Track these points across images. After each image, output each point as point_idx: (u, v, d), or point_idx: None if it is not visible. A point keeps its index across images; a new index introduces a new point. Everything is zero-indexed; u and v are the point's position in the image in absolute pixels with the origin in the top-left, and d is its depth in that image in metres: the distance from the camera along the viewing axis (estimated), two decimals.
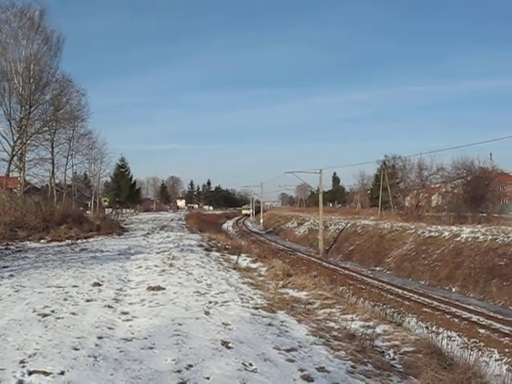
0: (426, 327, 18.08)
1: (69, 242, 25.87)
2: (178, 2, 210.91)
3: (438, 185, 53.13)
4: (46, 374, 5.92)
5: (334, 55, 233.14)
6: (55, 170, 44.64)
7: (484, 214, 40.85)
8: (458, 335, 17.63)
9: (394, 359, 7.74)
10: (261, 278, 15.70)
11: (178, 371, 6.15)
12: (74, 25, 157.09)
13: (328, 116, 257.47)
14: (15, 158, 36.05)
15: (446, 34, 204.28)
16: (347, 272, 32.42)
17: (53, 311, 9.33)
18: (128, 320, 8.95)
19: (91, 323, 8.54)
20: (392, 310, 19.21)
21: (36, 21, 35.66)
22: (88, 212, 53.73)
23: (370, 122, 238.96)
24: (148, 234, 34.51)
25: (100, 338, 7.63)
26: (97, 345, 7.22)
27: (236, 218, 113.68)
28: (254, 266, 19.16)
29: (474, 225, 34.45)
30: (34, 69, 35.84)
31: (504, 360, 15.15)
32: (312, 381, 6.08)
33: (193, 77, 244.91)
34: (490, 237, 28.38)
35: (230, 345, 7.39)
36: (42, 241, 25.60)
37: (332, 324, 9.67)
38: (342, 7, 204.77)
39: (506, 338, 16.92)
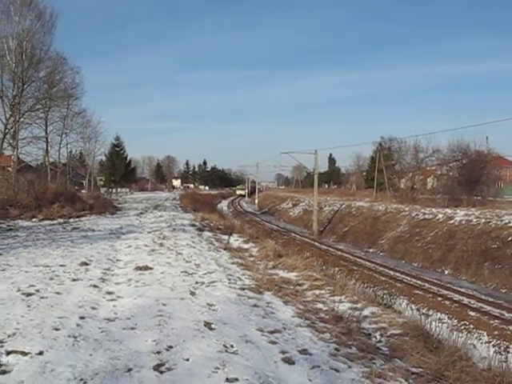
0: (417, 309, 18.06)
1: (61, 220, 25.77)
2: None
3: (433, 167, 52.98)
4: (24, 354, 5.86)
5: (330, 37, 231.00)
6: (49, 148, 44.27)
7: (479, 197, 40.79)
8: (448, 317, 17.63)
9: (380, 341, 7.69)
10: (251, 259, 15.65)
11: (158, 352, 6.10)
12: (69, 2, 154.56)
13: (324, 96, 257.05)
14: (8, 135, 35.62)
15: (443, 17, 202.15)
16: (340, 253, 32.37)
17: (37, 290, 9.24)
18: (112, 300, 8.89)
19: (75, 303, 8.46)
20: (383, 291, 19.24)
21: None
22: (83, 191, 53.53)
23: (368, 104, 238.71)
24: (141, 213, 34.40)
25: (82, 318, 7.56)
26: (78, 325, 7.16)
27: (231, 198, 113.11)
28: (245, 246, 19.11)
29: (469, 208, 34.41)
30: (27, 45, 35.22)
31: (492, 342, 15.14)
32: (293, 363, 6.01)
33: (188, 56, 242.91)
34: (483, 220, 28.33)
35: (212, 326, 7.32)
36: (33, 219, 25.49)
37: (320, 306, 9.60)
38: None
39: (496, 321, 16.92)
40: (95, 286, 9.98)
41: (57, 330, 6.83)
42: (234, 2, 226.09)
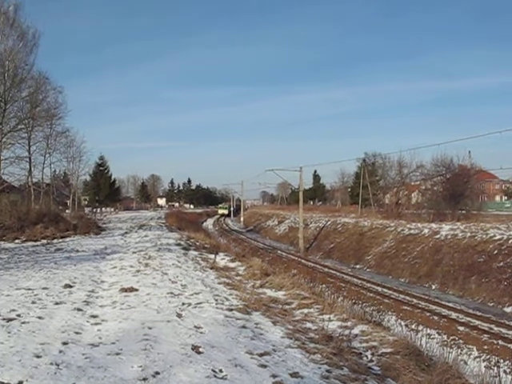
0: (406, 325, 17.98)
1: (44, 241, 25.41)
2: (157, 1, 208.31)
3: (417, 182, 53.34)
4: None
5: (316, 53, 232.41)
6: (32, 168, 43.70)
7: (463, 212, 41.05)
8: (438, 333, 17.54)
9: (371, 361, 7.54)
10: (238, 278, 15.43)
11: (144, 379, 5.84)
12: (52, 22, 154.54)
13: (309, 114, 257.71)
14: None
15: (430, 30, 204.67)
16: (327, 270, 32.29)
17: (19, 315, 8.92)
18: (97, 324, 8.61)
19: (58, 327, 8.18)
20: (371, 308, 19.10)
21: (11, 16, 34.94)
22: (67, 211, 52.95)
23: (352, 120, 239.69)
24: (126, 233, 34.00)
25: (65, 343, 7.28)
26: (61, 351, 6.87)
27: (217, 217, 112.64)
28: (232, 265, 18.87)
29: (454, 222, 34.59)
30: (9, 65, 35.07)
31: (482, 357, 15.07)
32: None
33: (174, 74, 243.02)
34: (468, 234, 28.45)
35: (200, 349, 7.08)
36: (16, 241, 25.11)
37: (309, 325, 9.44)
38: (326, 5, 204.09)
39: (485, 335, 16.87)
40: (79, 310, 9.69)
41: (38, 357, 6.54)
42: (220, 20, 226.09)
